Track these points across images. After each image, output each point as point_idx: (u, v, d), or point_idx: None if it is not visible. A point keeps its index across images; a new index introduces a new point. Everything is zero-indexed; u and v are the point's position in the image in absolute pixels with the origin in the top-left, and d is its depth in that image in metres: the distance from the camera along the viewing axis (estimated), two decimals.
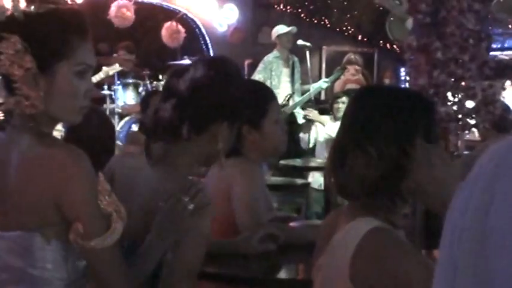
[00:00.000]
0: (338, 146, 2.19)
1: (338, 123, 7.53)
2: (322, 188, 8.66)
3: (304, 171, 8.85)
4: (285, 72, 10.04)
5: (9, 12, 2.12)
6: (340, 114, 8.97)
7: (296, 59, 10.21)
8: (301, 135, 9.29)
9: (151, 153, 2.52)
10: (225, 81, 2.52)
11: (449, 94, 5.72)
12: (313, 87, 10.25)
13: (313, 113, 9.26)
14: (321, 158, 8.96)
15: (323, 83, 10.81)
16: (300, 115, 9.75)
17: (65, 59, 2.12)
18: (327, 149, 9.12)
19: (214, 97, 2.48)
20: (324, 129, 9.16)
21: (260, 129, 3.26)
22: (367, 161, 2.07)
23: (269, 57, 10.03)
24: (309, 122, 9.25)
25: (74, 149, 2.12)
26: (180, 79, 2.49)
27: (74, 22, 2.17)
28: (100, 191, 2.11)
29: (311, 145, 9.34)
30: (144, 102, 6.18)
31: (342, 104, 9.07)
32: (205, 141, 2.51)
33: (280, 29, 10.14)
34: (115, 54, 9.99)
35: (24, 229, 2.10)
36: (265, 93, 3.36)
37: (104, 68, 9.39)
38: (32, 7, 2.13)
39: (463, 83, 5.64)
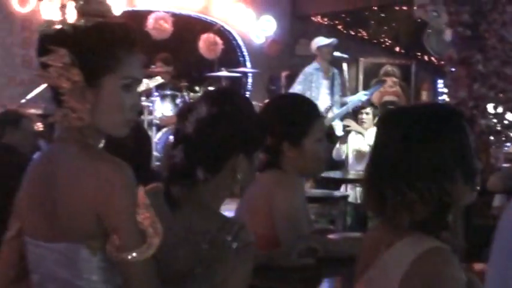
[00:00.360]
0: (375, 179, 2.15)
1: (365, 137, 7.48)
2: (353, 200, 8.65)
3: (340, 183, 8.82)
4: (325, 84, 9.98)
5: (57, 26, 2.13)
6: (365, 125, 8.96)
7: (336, 70, 10.13)
8: (337, 146, 9.24)
9: (173, 196, 2.46)
10: (230, 115, 2.44)
11: (489, 107, 5.68)
12: (352, 99, 10.20)
13: (352, 124, 9.23)
14: (353, 170, 8.92)
15: (362, 96, 10.75)
16: (338, 127, 9.72)
17: (112, 72, 2.13)
18: (357, 161, 9.11)
19: (221, 135, 2.41)
20: (353, 142, 9.12)
21: (300, 147, 3.17)
22: (411, 201, 2.05)
23: (309, 69, 9.98)
24: (347, 134, 9.21)
25: (118, 161, 2.12)
26: (186, 121, 2.44)
27: (122, 35, 2.17)
28: (139, 204, 2.09)
29: (344, 157, 9.29)
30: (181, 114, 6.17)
31: (366, 115, 9.04)
32: (225, 177, 2.46)
33: (321, 40, 10.08)
34: (153, 66, 10.03)
35: (70, 241, 2.10)
36: (308, 111, 3.27)
37: (145, 80, 9.43)
38: (81, 20, 2.14)
39: (503, 96, 5.60)
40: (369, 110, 9.10)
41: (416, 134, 2.11)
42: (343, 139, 9.03)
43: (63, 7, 2.20)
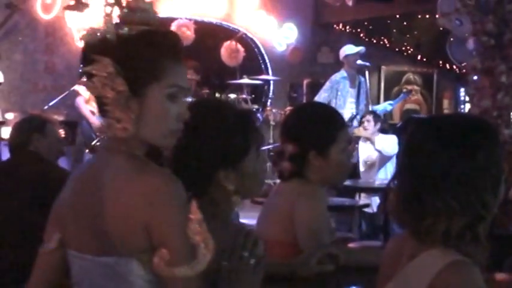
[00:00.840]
0: (411, 189, 2.13)
1: (378, 142, 7.43)
2: (368, 209, 8.64)
3: (355, 192, 8.82)
4: (351, 92, 9.96)
5: (101, 34, 2.11)
6: (369, 132, 8.96)
7: (363, 79, 10.11)
8: None
9: None
10: (198, 133, 2.37)
11: None
12: (378, 108, 10.20)
13: (360, 131, 9.23)
14: (364, 179, 8.91)
15: (388, 105, 10.75)
16: None
17: (157, 81, 2.09)
18: (367, 169, 9.09)
19: (195, 158, 2.36)
20: (362, 150, 9.12)
21: (327, 156, 3.17)
22: (451, 212, 2.04)
23: (336, 77, 9.95)
24: (355, 142, 9.20)
25: (166, 173, 2.09)
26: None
27: (166, 44, 2.14)
28: (191, 218, 2.03)
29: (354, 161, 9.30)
30: None
31: (368, 122, 9.03)
32: (218, 193, 2.43)
33: (348, 49, 10.05)
34: None
35: (120, 254, 2.06)
36: (335, 120, 3.28)
37: None
38: (125, 29, 2.12)
39: None
40: (369, 117, 9.09)
41: (457, 142, 2.10)
42: (352, 146, 9.03)
43: (107, 16, 2.17)
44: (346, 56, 9.97)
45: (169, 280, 2.02)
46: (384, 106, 10.59)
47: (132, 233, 2.03)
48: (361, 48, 10.02)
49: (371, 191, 8.64)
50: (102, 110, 2.10)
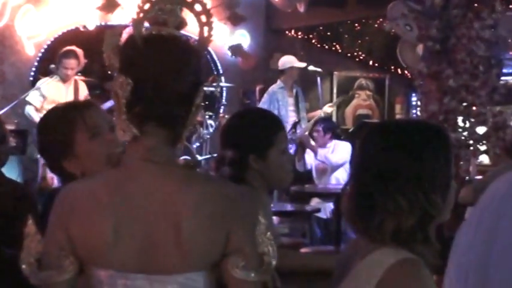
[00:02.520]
0: (363, 189, 2.18)
1: (326, 151, 7.51)
2: (325, 215, 8.69)
3: (310, 197, 8.86)
4: (290, 101, 10.06)
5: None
6: (314, 145, 9.04)
7: (299, 89, 10.23)
8: (296, 161, 9.29)
9: None
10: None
11: (459, 120, 5.73)
12: (321, 112, 10.29)
13: (307, 140, 9.29)
14: (321, 184, 8.97)
15: (327, 108, 10.83)
16: None
17: None
18: (319, 175, 9.15)
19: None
20: (310, 158, 9.18)
21: (266, 159, 3.18)
22: (399, 211, 2.09)
23: (273, 88, 10.05)
24: (302, 150, 9.26)
25: (241, 186, 2.26)
26: None
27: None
28: (260, 225, 2.10)
29: (309, 167, 9.34)
30: None
31: (316, 133, 9.13)
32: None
33: (295, 61, 10.12)
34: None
35: (193, 269, 2.05)
36: (272, 123, 3.30)
37: None
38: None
39: (473, 109, 5.65)
40: (319, 127, 9.16)
41: (406, 144, 2.17)
42: (300, 155, 9.09)
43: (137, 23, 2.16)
44: (292, 68, 10.04)
45: (240, 284, 2.05)
46: (324, 109, 10.67)
47: (213, 242, 2.04)
48: (306, 64, 10.15)
49: (325, 196, 8.69)
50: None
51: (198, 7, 2.21)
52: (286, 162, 3.30)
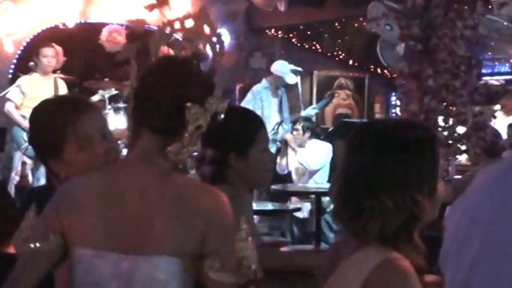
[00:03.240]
0: (349, 189, 2.19)
1: (305, 152, 7.54)
2: (302, 215, 8.71)
3: (290, 196, 8.87)
4: (274, 102, 10.06)
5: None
6: (298, 142, 9.05)
7: (284, 90, 10.23)
8: (278, 160, 9.30)
9: None
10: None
11: (440, 120, 5.75)
12: (302, 114, 10.30)
13: (289, 139, 9.30)
14: (301, 183, 8.98)
15: (311, 110, 10.85)
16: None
17: None
18: (298, 177, 9.15)
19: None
20: (291, 158, 9.19)
21: (247, 157, 3.17)
22: (385, 211, 2.11)
23: (258, 87, 10.05)
24: (285, 148, 9.27)
25: (223, 191, 2.43)
26: None
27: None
28: (241, 232, 2.31)
29: (286, 171, 9.34)
30: None
31: (296, 131, 9.14)
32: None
33: (288, 75, 10.10)
34: (106, 79, 10.00)
35: (168, 254, 2.24)
36: (253, 121, 3.29)
37: (100, 92, 9.43)
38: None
39: (453, 109, 5.66)
40: (299, 126, 9.17)
41: (392, 145, 2.18)
42: (282, 153, 9.10)
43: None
44: (280, 77, 10.04)
45: (215, 284, 2.25)
46: (307, 112, 10.69)
47: (184, 235, 2.24)
48: (296, 82, 10.17)
49: (303, 195, 8.70)
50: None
51: (214, 39, 2.57)
52: (267, 161, 3.30)
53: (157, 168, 2.33)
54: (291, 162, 9.17)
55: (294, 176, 9.23)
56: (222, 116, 2.45)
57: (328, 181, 8.67)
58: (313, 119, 10.75)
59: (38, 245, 2.33)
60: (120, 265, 2.25)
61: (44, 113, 2.90)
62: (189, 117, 2.32)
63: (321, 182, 8.81)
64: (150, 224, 2.23)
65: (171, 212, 2.25)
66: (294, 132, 9.23)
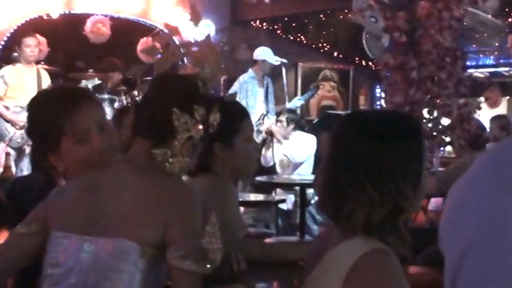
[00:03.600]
0: (334, 179, 2.19)
1: (290, 145, 7.54)
2: (286, 206, 8.71)
3: (275, 188, 8.86)
4: (260, 92, 10.06)
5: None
6: (279, 135, 9.04)
7: (270, 80, 10.22)
8: (263, 152, 9.30)
9: None
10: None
11: (424, 111, 5.75)
12: (289, 106, 10.29)
13: (275, 131, 9.29)
14: (285, 175, 8.98)
15: (297, 101, 10.85)
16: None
17: None
18: (282, 169, 9.15)
19: None
20: (276, 150, 9.18)
21: (232, 146, 3.18)
22: (370, 201, 2.10)
23: (244, 77, 10.03)
24: (271, 140, 9.26)
25: (189, 185, 2.63)
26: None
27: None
28: (208, 222, 2.45)
29: (271, 163, 9.34)
30: (116, 118, 6.00)
31: (280, 123, 9.14)
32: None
33: (270, 56, 10.10)
34: (90, 70, 9.97)
35: (128, 239, 2.38)
36: (237, 111, 3.29)
37: (83, 82, 9.39)
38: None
39: (438, 101, 5.67)
40: (283, 118, 9.17)
41: (377, 135, 2.17)
42: (268, 145, 9.10)
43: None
44: (264, 61, 10.03)
45: (177, 271, 2.37)
46: (293, 103, 10.70)
47: (147, 222, 2.40)
48: (280, 61, 10.13)
49: (288, 187, 8.70)
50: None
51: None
52: (252, 150, 3.31)
53: (137, 167, 2.52)
54: (276, 154, 9.17)
55: (278, 168, 9.22)
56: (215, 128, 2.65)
57: (313, 173, 8.69)
58: (298, 111, 10.75)
59: (19, 229, 2.59)
60: (82, 245, 2.42)
61: (39, 105, 2.86)
62: (178, 125, 2.49)
63: (304, 174, 8.82)
64: (115, 210, 2.41)
65: (137, 202, 2.42)
66: (278, 124, 9.22)
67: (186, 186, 2.60)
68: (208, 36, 2.68)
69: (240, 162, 3.23)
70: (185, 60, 2.77)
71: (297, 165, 9.11)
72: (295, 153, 9.07)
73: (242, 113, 3.28)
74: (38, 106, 2.85)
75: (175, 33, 3.13)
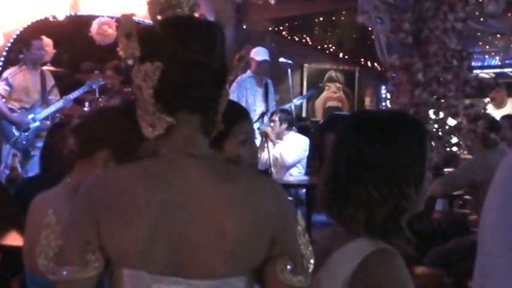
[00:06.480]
0: (337, 180, 2.19)
1: (282, 146, 7.47)
2: None
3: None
4: (259, 91, 10.06)
5: None
6: (272, 134, 9.01)
7: (269, 80, 10.21)
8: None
9: None
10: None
11: (430, 112, 5.75)
12: (289, 105, 10.30)
13: (268, 131, 9.25)
14: (278, 176, 8.96)
15: (297, 101, 10.84)
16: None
17: None
18: (277, 169, 9.11)
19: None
20: (273, 150, 9.15)
21: (222, 150, 3.02)
22: (372, 201, 2.11)
23: (243, 77, 10.03)
24: (265, 142, 9.23)
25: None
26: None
27: None
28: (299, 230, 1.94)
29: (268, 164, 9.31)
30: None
31: (273, 123, 9.10)
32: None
33: (258, 54, 10.08)
34: (96, 71, 9.98)
35: (233, 275, 1.85)
36: (232, 112, 3.09)
37: (88, 82, 9.40)
38: None
39: (444, 102, 5.67)
40: (276, 117, 9.14)
41: (380, 135, 2.18)
42: (262, 147, 9.06)
43: None
44: (258, 61, 10.03)
45: (281, 286, 1.88)
46: (293, 103, 10.69)
47: (259, 244, 1.85)
48: (264, 59, 10.09)
49: (286, 187, 8.69)
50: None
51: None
52: (245, 154, 3.11)
53: (209, 165, 1.92)
54: (270, 155, 9.15)
55: (273, 170, 9.20)
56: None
57: (306, 174, 8.74)
58: (304, 111, 10.73)
59: (74, 271, 1.80)
60: None
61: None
62: (224, 92, 1.98)
63: (296, 175, 8.84)
64: (220, 238, 1.81)
65: (239, 219, 1.82)
66: (272, 124, 9.18)
67: (275, 181, 2.16)
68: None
69: None
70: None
71: (288, 167, 9.09)
72: (286, 154, 9.03)
73: (237, 116, 3.05)
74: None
75: None
